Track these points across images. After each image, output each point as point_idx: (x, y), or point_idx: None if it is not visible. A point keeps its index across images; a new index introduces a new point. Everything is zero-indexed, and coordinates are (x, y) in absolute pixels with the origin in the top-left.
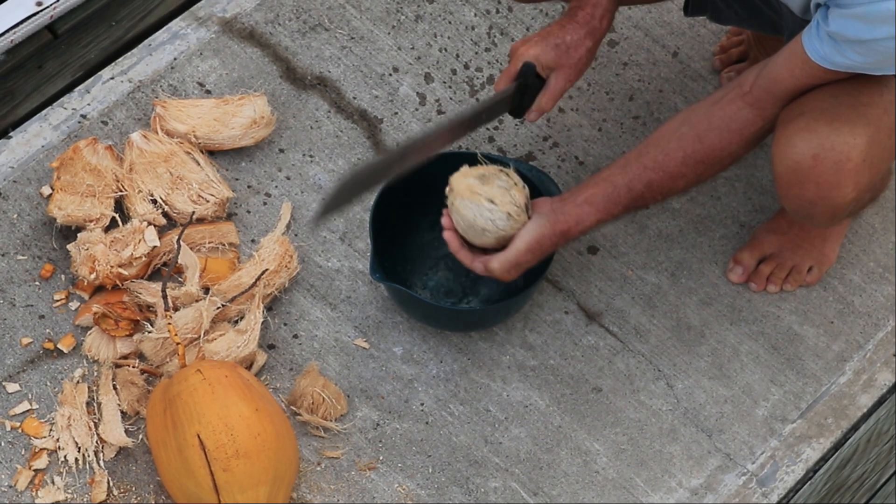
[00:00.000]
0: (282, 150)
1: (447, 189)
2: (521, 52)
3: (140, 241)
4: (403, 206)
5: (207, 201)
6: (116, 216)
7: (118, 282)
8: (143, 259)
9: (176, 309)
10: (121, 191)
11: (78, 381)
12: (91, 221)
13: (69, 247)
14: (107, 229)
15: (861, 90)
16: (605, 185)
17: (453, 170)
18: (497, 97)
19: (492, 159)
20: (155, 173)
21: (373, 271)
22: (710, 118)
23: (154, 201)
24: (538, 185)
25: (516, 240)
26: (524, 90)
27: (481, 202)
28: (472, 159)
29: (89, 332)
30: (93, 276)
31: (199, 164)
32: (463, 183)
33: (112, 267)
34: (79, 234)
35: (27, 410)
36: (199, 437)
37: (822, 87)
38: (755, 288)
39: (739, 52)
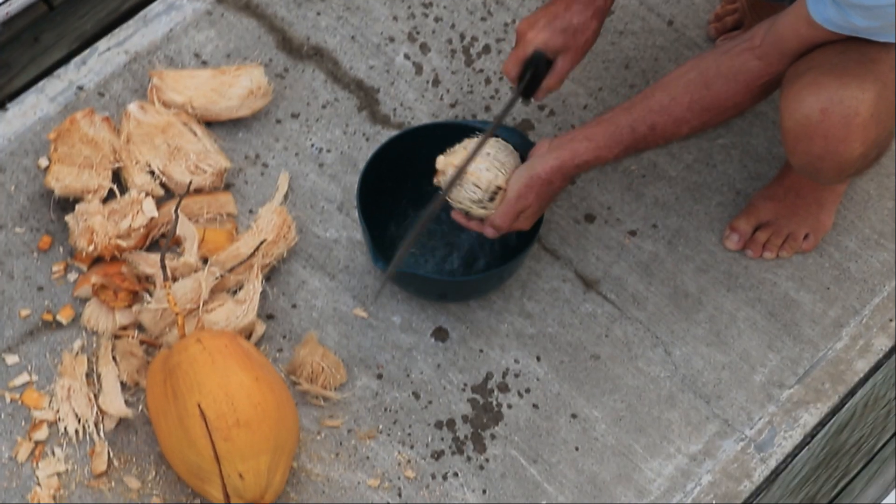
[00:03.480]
0: (279, 121)
1: (437, 174)
2: (528, 39)
3: (138, 212)
4: (383, 183)
5: (205, 172)
6: (114, 187)
7: (116, 253)
8: (142, 230)
9: (175, 279)
10: (118, 162)
11: (77, 353)
12: (89, 193)
13: (67, 218)
14: (105, 201)
15: (869, 46)
16: (607, 124)
17: (429, 142)
18: (512, 98)
19: (468, 126)
20: (152, 144)
21: (375, 261)
22: (718, 66)
23: (152, 172)
24: (521, 151)
25: (508, 189)
26: (533, 76)
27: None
28: (444, 127)
29: (88, 304)
30: (91, 247)
31: (196, 135)
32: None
33: (110, 238)
34: (77, 206)
35: (27, 382)
36: (199, 406)
37: (830, 43)
38: (751, 255)
39: (734, 20)
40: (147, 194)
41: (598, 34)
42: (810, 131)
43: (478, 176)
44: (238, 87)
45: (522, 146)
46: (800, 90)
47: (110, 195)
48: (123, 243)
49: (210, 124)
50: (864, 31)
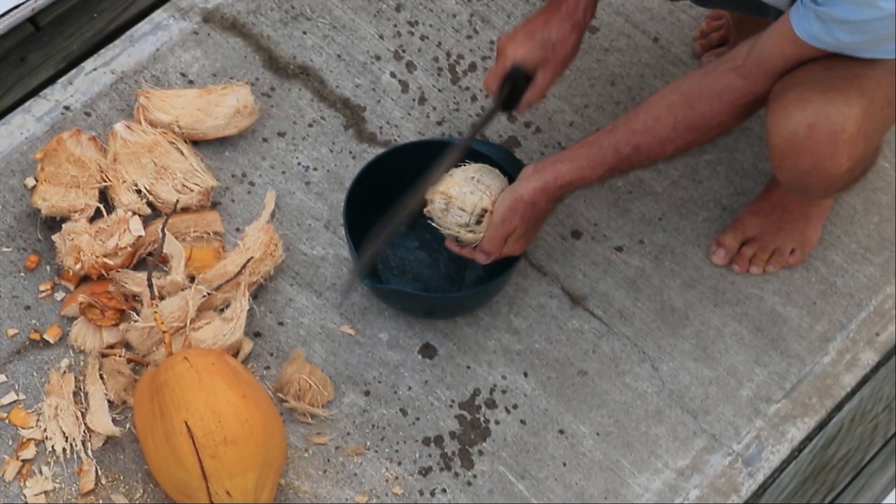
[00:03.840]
0: (265, 139)
1: (428, 203)
2: (507, 53)
3: (125, 230)
4: (369, 200)
5: (192, 190)
6: (101, 206)
7: (103, 272)
8: (129, 249)
9: (162, 298)
10: (105, 181)
11: (64, 371)
12: (76, 212)
13: (54, 237)
14: (91, 220)
15: (854, 62)
16: (590, 147)
17: (415, 160)
18: (490, 111)
19: (454, 143)
20: (139, 163)
21: (362, 278)
22: (701, 86)
23: (138, 191)
24: (510, 171)
25: (493, 213)
26: (513, 90)
27: (469, 171)
28: (430, 145)
29: (75, 323)
30: (78, 266)
31: (182, 154)
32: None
33: (97, 257)
34: (63, 225)
35: (14, 401)
36: (186, 424)
37: (816, 59)
38: (738, 270)
39: (719, 37)
40: (134, 213)
41: (578, 48)
42: (797, 147)
43: (462, 200)
44: (224, 106)
45: (508, 163)
46: (786, 106)
47: (97, 214)
48: (110, 262)
49: (197, 143)
50: (848, 47)
